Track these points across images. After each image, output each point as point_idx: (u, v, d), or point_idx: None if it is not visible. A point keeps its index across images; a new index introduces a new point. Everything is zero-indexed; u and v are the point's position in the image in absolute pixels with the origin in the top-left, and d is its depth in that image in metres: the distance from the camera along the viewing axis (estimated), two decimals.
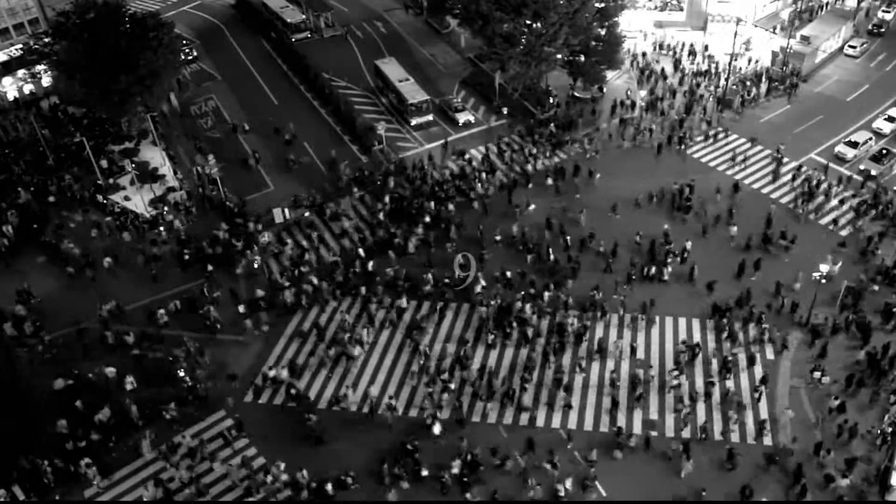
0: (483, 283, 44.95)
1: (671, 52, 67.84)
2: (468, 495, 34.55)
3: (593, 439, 36.92)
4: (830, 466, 34.98)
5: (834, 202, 50.70)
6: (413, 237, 48.17)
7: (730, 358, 40.10)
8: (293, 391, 39.52)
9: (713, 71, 64.55)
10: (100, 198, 52.89)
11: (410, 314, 44.01)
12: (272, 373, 40.29)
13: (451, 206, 50.83)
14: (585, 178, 53.54)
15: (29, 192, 52.71)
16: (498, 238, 48.07)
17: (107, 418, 37.84)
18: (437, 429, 37.26)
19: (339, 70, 68.31)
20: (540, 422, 38.03)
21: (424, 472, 35.28)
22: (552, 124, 58.64)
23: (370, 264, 46.18)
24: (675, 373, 39.43)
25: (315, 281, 45.37)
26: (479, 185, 52.66)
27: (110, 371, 40.19)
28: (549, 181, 53.15)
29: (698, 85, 62.54)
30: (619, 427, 37.03)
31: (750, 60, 66.13)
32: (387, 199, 51.47)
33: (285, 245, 48.52)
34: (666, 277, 45.01)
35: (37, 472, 35.40)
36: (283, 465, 35.33)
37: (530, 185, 53.19)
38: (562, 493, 34.17)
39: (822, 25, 68.39)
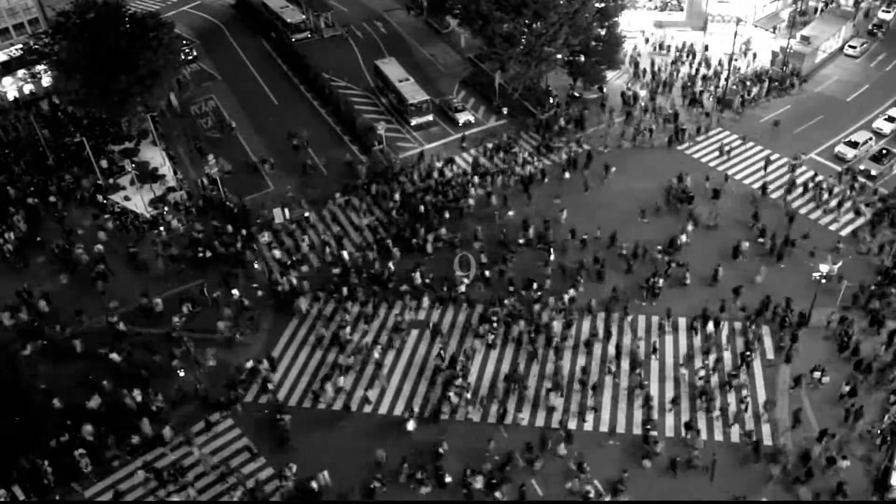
0: (466, 282, 44.96)
1: (667, 52, 67.98)
2: (497, 494, 34.47)
3: (622, 441, 37.08)
4: (834, 450, 35.63)
5: (847, 208, 50.26)
6: (431, 235, 47.98)
7: (749, 354, 40.19)
8: (269, 385, 39.73)
9: (710, 71, 64.63)
10: (100, 198, 52.90)
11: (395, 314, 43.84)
12: (249, 364, 40.43)
13: (471, 202, 50.96)
14: (601, 173, 53.58)
15: (30, 193, 52.77)
16: (521, 241, 47.71)
17: (98, 405, 38.07)
18: (410, 425, 37.31)
19: (339, 70, 68.28)
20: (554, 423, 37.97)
21: (448, 479, 34.91)
22: (562, 119, 58.96)
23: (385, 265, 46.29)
24: (703, 372, 39.55)
25: (294, 281, 45.33)
26: (472, 189, 52.30)
27: (115, 357, 40.60)
28: (567, 175, 53.52)
29: (694, 91, 62.51)
30: (647, 429, 36.81)
31: (755, 55, 66.22)
32: (397, 196, 51.67)
33: (303, 241, 48.76)
34: (688, 281, 44.75)
35: (37, 472, 35.40)
36: (294, 468, 35.20)
37: (546, 180, 53.46)
38: (592, 495, 34.15)
39: (822, 25, 68.40)
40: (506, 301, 43.39)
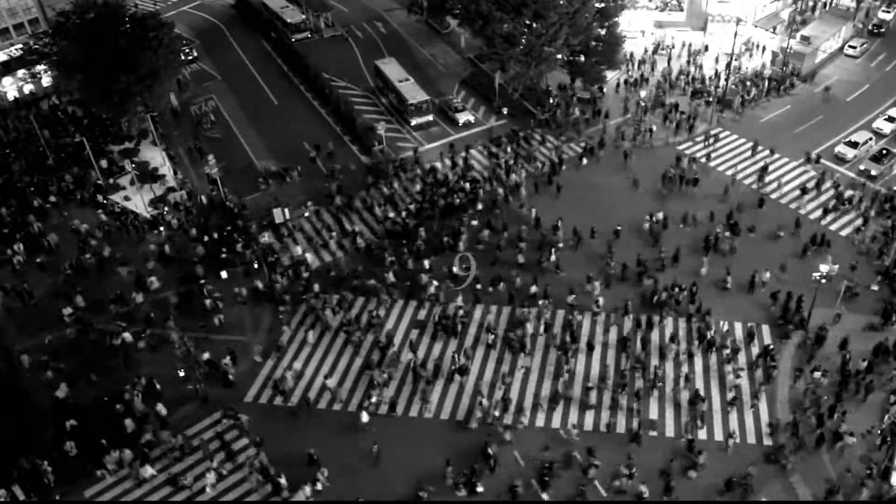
0: (436, 283, 44.81)
1: (667, 51, 68.13)
2: (544, 496, 34.38)
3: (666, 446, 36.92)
4: (843, 427, 36.31)
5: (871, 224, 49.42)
6: (465, 231, 48.13)
7: (772, 348, 40.20)
8: (230, 377, 39.86)
9: (700, 71, 65.02)
10: (100, 198, 52.88)
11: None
12: (206, 356, 40.46)
13: (500, 191, 51.43)
14: (620, 161, 54.57)
15: (30, 193, 52.74)
16: (560, 244, 47.46)
17: (65, 395, 38.42)
18: (364, 417, 37.38)
19: (339, 70, 68.33)
20: (585, 424, 37.84)
21: (480, 489, 34.52)
22: (577, 111, 59.63)
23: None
24: (742, 372, 39.59)
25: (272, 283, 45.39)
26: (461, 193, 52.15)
27: (126, 336, 41.25)
28: (584, 161, 54.76)
29: (696, 89, 62.72)
30: (691, 440, 36.45)
31: (763, 50, 66.53)
32: (417, 188, 52.02)
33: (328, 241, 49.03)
34: (729, 285, 44.54)
35: (37, 472, 35.41)
36: (326, 472, 35.11)
37: (563, 167, 54.16)
38: (646, 495, 34.00)
39: (822, 25, 68.43)
40: (540, 302, 43.13)
